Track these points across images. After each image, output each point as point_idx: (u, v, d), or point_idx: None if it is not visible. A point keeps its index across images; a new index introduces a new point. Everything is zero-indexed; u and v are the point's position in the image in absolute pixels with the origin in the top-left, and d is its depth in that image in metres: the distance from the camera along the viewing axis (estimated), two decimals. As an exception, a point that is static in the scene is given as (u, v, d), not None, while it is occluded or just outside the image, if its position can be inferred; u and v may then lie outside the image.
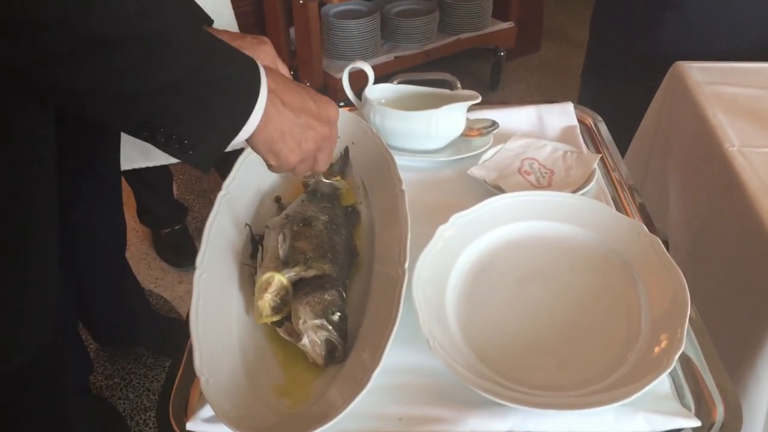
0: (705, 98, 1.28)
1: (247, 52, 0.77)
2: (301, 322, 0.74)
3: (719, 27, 1.47)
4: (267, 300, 0.77)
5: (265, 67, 0.71)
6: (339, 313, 0.75)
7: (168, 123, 0.65)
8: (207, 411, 0.69)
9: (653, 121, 1.48)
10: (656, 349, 0.72)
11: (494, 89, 3.17)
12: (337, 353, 0.73)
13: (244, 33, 0.89)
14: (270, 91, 0.70)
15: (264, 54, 0.85)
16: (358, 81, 1.09)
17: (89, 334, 1.87)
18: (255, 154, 0.94)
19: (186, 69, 0.63)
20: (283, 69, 0.87)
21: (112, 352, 1.93)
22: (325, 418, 0.65)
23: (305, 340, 0.73)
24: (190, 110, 0.65)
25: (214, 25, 0.88)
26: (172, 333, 1.79)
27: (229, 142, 0.69)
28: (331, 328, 0.73)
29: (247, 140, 0.72)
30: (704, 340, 0.77)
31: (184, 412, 0.71)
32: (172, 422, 0.70)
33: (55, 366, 1.00)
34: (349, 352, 0.74)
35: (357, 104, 1.12)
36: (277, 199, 0.94)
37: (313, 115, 0.75)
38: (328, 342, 0.73)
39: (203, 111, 0.66)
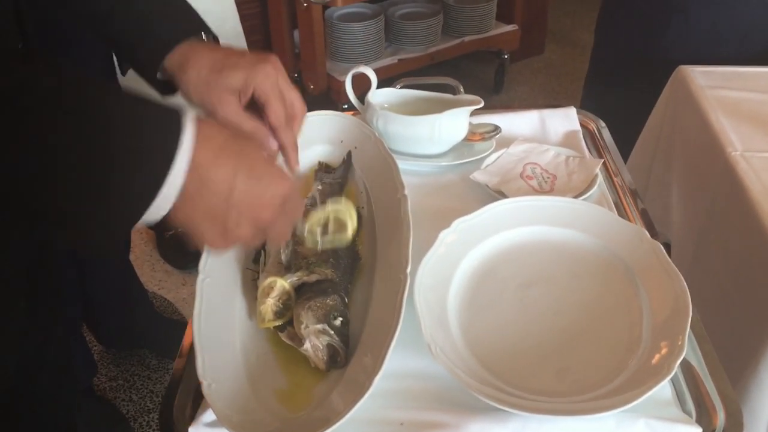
0: (708, 102, 1.28)
1: (241, 73, 0.74)
2: (303, 326, 0.74)
3: (725, 31, 1.47)
4: (269, 305, 0.77)
5: (200, 124, 0.56)
6: (341, 318, 0.75)
7: (44, 207, 0.53)
8: (209, 415, 0.70)
9: (656, 125, 1.48)
10: (657, 355, 0.72)
11: (498, 92, 3.17)
12: (338, 358, 0.73)
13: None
14: (192, 167, 0.55)
15: (262, 75, 0.75)
16: (362, 85, 1.09)
17: (93, 336, 1.88)
18: None
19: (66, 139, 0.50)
20: (290, 92, 0.78)
21: (116, 354, 1.94)
22: (326, 422, 0.65)
23: (307, 345, 0.73)
24: (72, 191, 0.52)
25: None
26: (175, 335, 1.80)
27: (127, 229, 0.56)
28: (333, 332, 0.74)
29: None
30: (706, 345, 0.77)
31: (187, 417, 0.72)
32: (175, 427, 0.71)
33: (61, 367, 1.01)
34: (350, 357, 0.74)
35: (360, 109, 1.12)
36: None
37: (249, 196, 0.59)
38: (330, 347, 0.73)
39: (92, 192, 0.52)
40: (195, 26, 0.81)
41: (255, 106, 0.77)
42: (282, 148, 0.78)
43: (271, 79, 0.75)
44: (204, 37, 0.81)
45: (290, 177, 0.65)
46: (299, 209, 0.68)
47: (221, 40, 1.91)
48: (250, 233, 0.61)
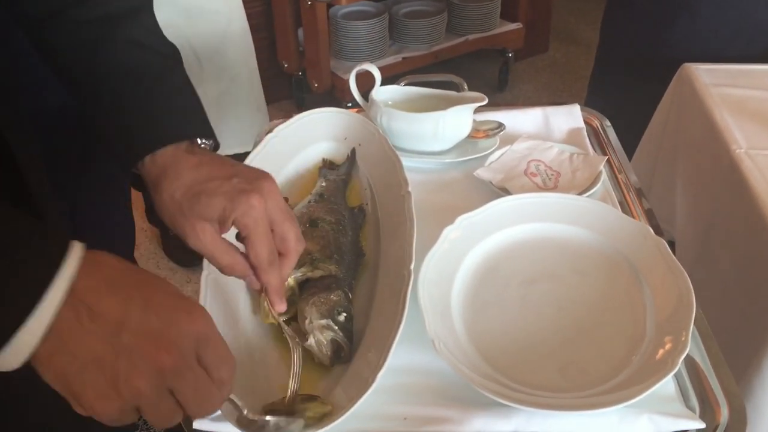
0: (712, 100, 1.28)
1: (219, 202, 0.62)
2: (307, 322, 0.75)
3: (731, 29, 1.47)
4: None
5: (93, 253, 0.47)
6: (345, 314, 0.76)
7: None
8: (214, 410, 0.70)
9: (660, 123, 1.48)
10: (661, 351, 0.72)
11: (502, 90, 3.17)
12: (342, 353, 0.74)
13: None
14: (74, 295, 0.45)
15: (245, 207, 0.63)
16: (366, 82, 1.09)
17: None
18: (263, 154, 0.96)
19: None
20: (282, 225, 0.67)
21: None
22: (330, 417, 0.65)
23: (311, 341, 0.74)
24: None
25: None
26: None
27: None
28: (337, 328, 0.74)
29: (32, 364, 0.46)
30: (710, 342, 0.77)
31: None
32: (181, 421, 0.71)
33: None
34: (354, 353, 0.75)
35: (364, 106, 1.12)
36: (285, 201, 0.94)
37: (145, 334, 0.47)
38: (333, 342, 0.73)
39: None
40: (192, 128, 0.71)
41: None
42: (265, 290, 0.68)
43: (255, 212, 0.63)
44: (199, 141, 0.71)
45: (205, 313, 0.52)
46: (219, 362, 0.52)
47: (228, 40, 1.89)
48: (149, 386, 0.47)
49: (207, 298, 0.77)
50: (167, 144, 0.67)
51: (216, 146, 0.75)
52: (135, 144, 0.68)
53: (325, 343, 0.73)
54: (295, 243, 0.68)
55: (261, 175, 0.67)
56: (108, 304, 0.46)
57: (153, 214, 2.22)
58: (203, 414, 0.52)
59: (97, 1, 0.74)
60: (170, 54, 0.76)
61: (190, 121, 0.71)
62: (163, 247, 2.27)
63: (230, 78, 1.86)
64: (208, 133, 0.72)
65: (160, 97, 0.71)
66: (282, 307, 0.70)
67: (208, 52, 1.77)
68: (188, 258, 2.20)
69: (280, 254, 0.68)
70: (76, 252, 0.46)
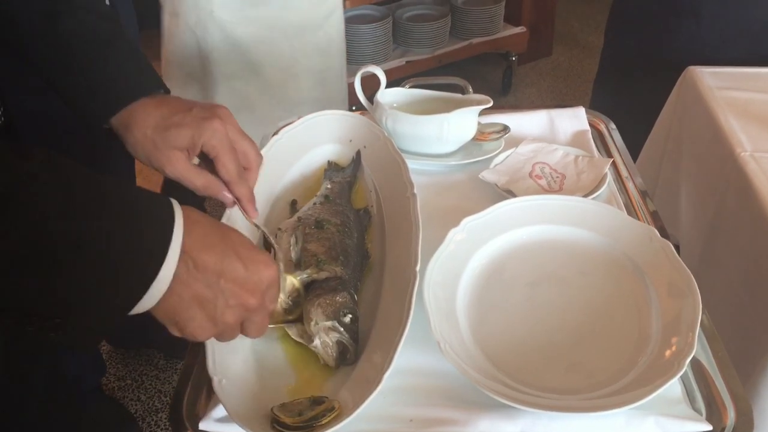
0: (717, 103, 1.28)
1: (187, 131, 0.72)
2: (312, 323, 0.75)
3: (736, 33, 1.47)
4: (279, 302, 0.77)
5: (185, 210, 0.57)
6: (350, 315, 0.76)
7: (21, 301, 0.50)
8: (220, 411, 0.70)
9: (665, 126, 1.48)
10: (667, 353, 0.72)
11: (506, 94, 3.17)
12: (348, 355, 0.74)
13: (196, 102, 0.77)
14: (183, 251, 0.55)
15: (210, 131, 0.73)
16: (370, 85, 1.10)
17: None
18: (269, 156, 0.96)
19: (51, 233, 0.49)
20: (242, 143, 0.76)
21: (125, 354, 1.94)
22: (336, 418, 0.65)
23: (317, 342, 0.74)
24: (67, 282, 0.50)
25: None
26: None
27: (114, 322, 0.54)
28: (342, 329, 0.74)
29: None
30: (716, 344, 0.77)
31: (198, 413, 0.72)
32: (186, 422, 0.71)
33: (54, 369, 1.01)
34: (360, 354, 0.75)
35: (369, 108, 1.12)
36: (293, 203, 0.94)
37: (237, 281, 0.59)
38: (339, 344, 0.73)
39: (86, 283, 0.51)
40: (149, 84, 0.78)
41: (207, 159, 0.76)
42: (238, 200, 0.77)
43: (219, 134, 0.73)
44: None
45: (273, 262, 0.63)
46: (276, 298, 0.67)
47: (326, 59, 1.88)
48: (235, 320, 0.61)
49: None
50: (139, 98, 0.75)
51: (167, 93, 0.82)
52: (108, 100, 0.75)
53: (331, 344, 0.73)
54: (255, 155, 0.78)
55: (215, 105, 0.76)
56: (207, 257, 0.57)
57: None
58: (256, 336, 0.66)
59: None
60: (114, 17, 0.82)
61: (151, 76, 0.80)
62: None
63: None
64: (162, 85, 0.80)
65: (120, 56, 0.78)
66: (255, 213, 0.78)
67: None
68: None
69: (244, 169, 0.77)
70: (179, 215, 0.56)
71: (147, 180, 2.05)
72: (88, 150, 1.25)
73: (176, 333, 0.59)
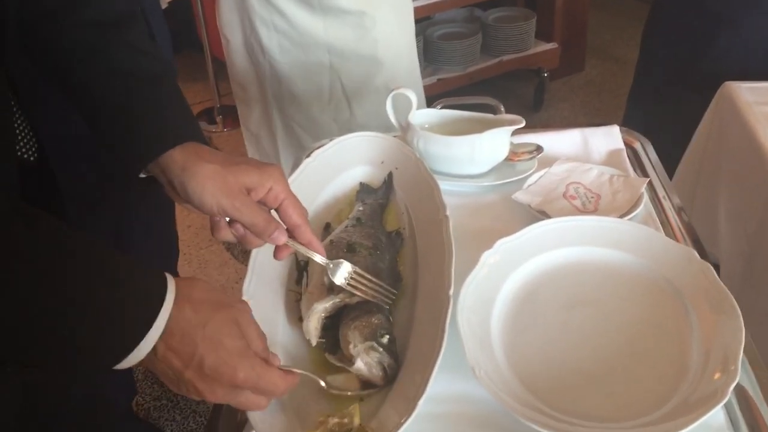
0: (755, 119, 1.25)
1: (255, 172, 0.71)
2: (351, 346, 0.74)
3: None
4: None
5: (182, 287, 0.61)
6: (388, 336, 0.75)
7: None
8: (253, 437, 0.70)
9: (702, 142, 1.45)
10: (710, 381, 0.70)
11: (537, 110, 3.15)
12: (390, 373, 0.73)
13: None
14: (163, 333, 0.59)
15: (277, 175, 0.74)
16: (402, 107, 1.09)
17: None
18: (301, 178, 0.96)
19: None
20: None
21: (160, 374, 1.96)
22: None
23: (359, 364, 0.73)
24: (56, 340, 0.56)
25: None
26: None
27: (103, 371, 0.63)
28: (381, 350, 0.74)
29: None
30: (760, 370, 0.74)
31: (231, 438, 0.72)
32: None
33: (93, 393, 1.02)
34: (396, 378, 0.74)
35: (401, 130, 1.12)
36: (327, 226, 0.94)
37: (201, 377, 0.62)
38: (380, 364, 0.73)
39: (65, 347, 0.57)
40: (190, 131, 0.75)
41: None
42: (308, 244, 0.76)
43: (284, 182, 0.74)
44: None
45: (249, 356, 0.63)
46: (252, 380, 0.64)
47: (394, 79, 1.83)
48: (216, 397, 0.63)
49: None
50: (180, 143, 0.72)
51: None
52: (147, 144, 0.73)
53: (374, 363, 0.73)
54: (305, 210, 0.76)
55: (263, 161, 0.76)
56: (179, 348, 0.60)
57: None
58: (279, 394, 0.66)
59: (90, 3, 0.77)
60: (162, 58, 0.80)
61: (191, 124, 0.77)
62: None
63: None
64: (202, 136, 0.77)
65: (162, 99, 0.76)
66: (324, 252, 0.78)
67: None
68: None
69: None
70: (170, 293, 0.60)
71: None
72: (126, 196, 1.27)
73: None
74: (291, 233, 0.75)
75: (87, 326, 0.56)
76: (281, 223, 0.74)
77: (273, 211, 0.75)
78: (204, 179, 0.70)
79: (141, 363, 0.59)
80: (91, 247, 0.59)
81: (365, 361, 0.73)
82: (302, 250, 0.76)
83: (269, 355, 0.66)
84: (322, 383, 0.73)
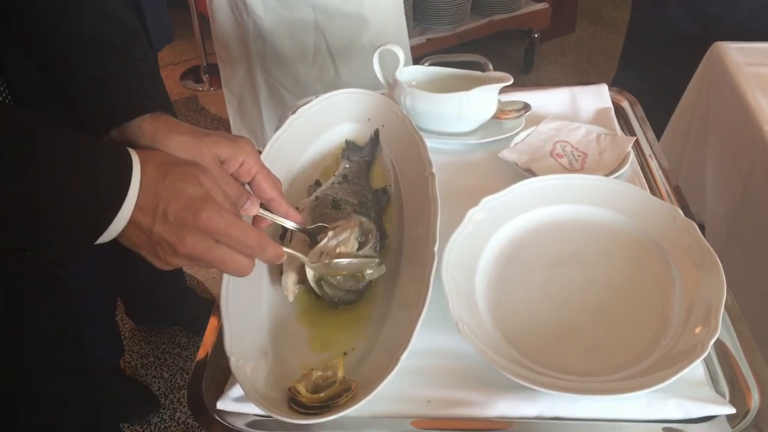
0: (744, 79, 1.25)
1: (228, 144, 0.70)
2: (330, 234, 0.77)
3: (765, 2, 1.43)
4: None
5: (144, 160, 0.61)
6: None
7: None
8: (237, 390, 0.70)
9: (690, 103, 1.45)
10: (690, 335, 0.71)
11: (527, 71, 3.14)
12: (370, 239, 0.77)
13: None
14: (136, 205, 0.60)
15: (249, 148, 0.72)
16: (389, 63, 1.08)
17: (126, 311, 1.91)
18: (286, 135, 0.95)
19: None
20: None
21: (147, 332, 1.97)
22: (353, 399, 0.65)
23: (332, 242, 0.76)
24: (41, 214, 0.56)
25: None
26: (205, 313, 1.82)
27: (80, 254, 0.60)
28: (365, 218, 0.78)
29: None
30: (740, 326, 0.75)
31: (215, 392, 0.72)
32: (203, 402, 0.71)
33: (81, 350, 1.02)
34: (378, 335, 0.74)
35: (387, 86, 1.11)
36: (316, 183, 0.93)
37: (168, 230, 0.61)
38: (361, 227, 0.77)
39: (43, 228, 0.57)
40: (157, 101, 0.74)
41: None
42: (285, 215, 0.75)
43: (257, 155, 0.73)
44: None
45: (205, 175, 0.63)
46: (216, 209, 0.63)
47: (381, 38, 1.78)
48: (198, 251, 0.62)
49: (230, 280, 0.77)
50: (146, 113, 0.71)
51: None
52: (116, 110, 0.71)
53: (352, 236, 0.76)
54: (279, 182, 0.76)
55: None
56: (149, 204, 0.60)
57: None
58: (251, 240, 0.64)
59: None
60: (133, 26, 0.78)
61: (161, 94, 0.76)
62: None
63: None
64: (171, 107, 0.77)
65: (131, 67, 0.75)
66: (301, 219, 0.79)
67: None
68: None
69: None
70: (136, 167, 0.60)
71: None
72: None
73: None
74: (267, 206, 0.74)
75: (66, 203, 0.57)
76: (252, 194, 0.73)
77: (246, 186, 0.73)
78: (177, 151, 0.69)
79: (121, 235, 0.61)
80: (55, 129, 0.58)
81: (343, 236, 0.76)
82: (279, 221, 0.75)
83: (239, 210, 0.67)
84: (304, 258, 0.75)
